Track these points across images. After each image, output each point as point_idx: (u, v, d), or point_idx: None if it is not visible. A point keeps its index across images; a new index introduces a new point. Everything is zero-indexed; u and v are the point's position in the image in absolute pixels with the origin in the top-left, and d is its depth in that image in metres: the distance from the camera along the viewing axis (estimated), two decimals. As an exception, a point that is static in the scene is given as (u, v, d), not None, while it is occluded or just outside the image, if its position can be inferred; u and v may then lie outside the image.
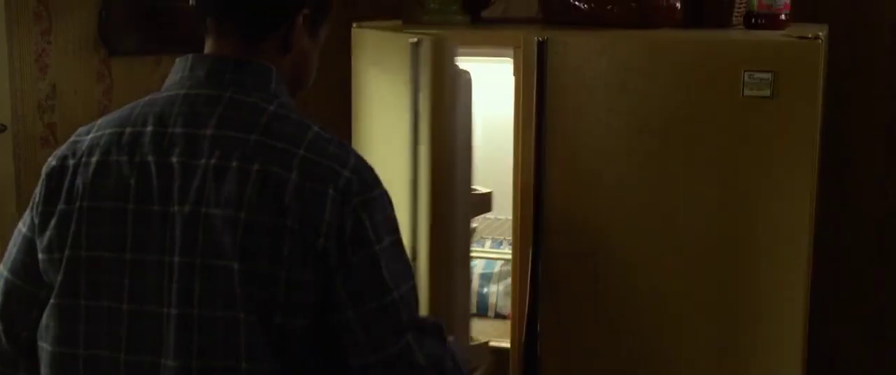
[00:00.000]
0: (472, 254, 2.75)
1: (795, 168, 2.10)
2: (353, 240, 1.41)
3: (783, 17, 2.27)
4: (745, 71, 2.08)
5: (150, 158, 1.43)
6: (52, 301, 1.46)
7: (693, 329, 2.20)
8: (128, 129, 1.46)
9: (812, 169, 2.10)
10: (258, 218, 1.39)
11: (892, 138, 2.88)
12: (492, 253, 2.76)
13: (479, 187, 2.40)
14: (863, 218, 2.94)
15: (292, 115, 1.48)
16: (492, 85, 2.51)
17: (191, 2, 1.54)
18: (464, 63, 2.54)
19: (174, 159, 1.42)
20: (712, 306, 2.20)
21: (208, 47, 1.53)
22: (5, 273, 1.53)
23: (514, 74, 2.26)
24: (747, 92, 2.08)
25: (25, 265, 1.50)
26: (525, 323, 2.28)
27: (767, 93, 2.07)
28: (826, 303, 2.87)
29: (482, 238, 2.85)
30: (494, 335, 2.63)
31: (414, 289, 1.50)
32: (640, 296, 2.23)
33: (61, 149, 1.51)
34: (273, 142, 1.43)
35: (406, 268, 1.50)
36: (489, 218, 2.89)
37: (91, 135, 1.49)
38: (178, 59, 1.53)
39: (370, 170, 1.48)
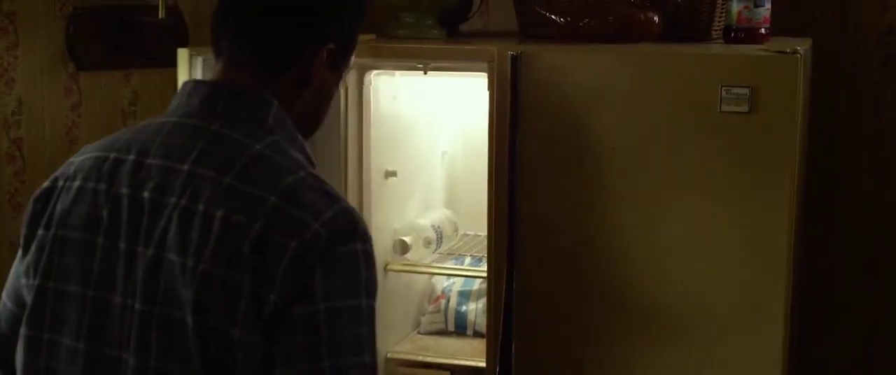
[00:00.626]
0: (451, 272, 2.71)
1: (775, 185, 2.05)
2: (299, 293, 1.27)
3: (763, 31, 2.22)
4: (722, 86, 2.03)
5: (124, 190, 1.35)
6: (21, 329, 1.40)
7: (673, 348, 2.15)
8: (112, 155, 1.38)
9: (791, 185, 2.05)
10: (214, 270, 1.27)
11: (880, 152, 2.82)
12: (470, 271, 2.70)
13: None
14: (851, 234, 2.88)
15: (279, 157, 1.35)
16: (471, 99, 2.47)
17: (214, 19, 1.46)
18: (441, 77, 2.54)
19: (146, 194, 1.33)
20: (693, 325, 2.15)
21: (216, 72, 1.45)
22: (3, 292, 1.47)
23: (488, 89, 2.21)
24: (725, 107, 2.03)
25: (14, 288, 1.44)
26: (500, 343, 2.22)
27: (745, 108, 2.02)
28: (815, 322, 2.82)
29: (461, 255, 2.80)
30: (472, 354, 2.59)
31: (365, 369, 1.31)
32: (619, 315, 2.18)
33: (58, 170, 1.44)
34: (245, 187, 1.31)
35: (360, 342, 1.30)
36: (469, 235, 2.84)
37: (81, 158, 1.42)
38: (183, 82, 1.47)
39: (351, 224, 1.32)
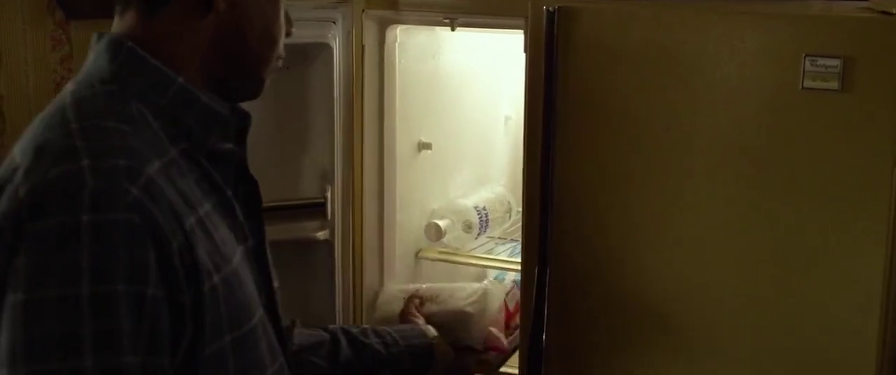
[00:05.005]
0: (482, 262, 2.34)
1: (870, 182, 1.61)
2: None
3: (867, -15, 1.76)
4: (806, 55, 1.60)
5: None
6: None
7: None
8: None
9: (892, 182, 1.60)
10: None
11: None
12: (504, 263, 2.33)
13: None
14: None
15: (72, 111, 1.15)
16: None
17: None
18: (484, 35, 2.16)
19: None
20: (759, 350, 1.74)
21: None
22: None
23: (524, 51, 1.83)
24: (808, 83, 1.61)
25: None
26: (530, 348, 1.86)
27: (835, 85, 1.59)
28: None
29: (514, 239, 2.43)
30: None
31: None
32: (665, 328, 1.79)
33: None
34: (18, 147, 1.15)
35: (52, 344, 1.02)
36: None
37: None
38: None
39: (60, 190, 1.05)
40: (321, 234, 2.06)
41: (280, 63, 1.35)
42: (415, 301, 2.04)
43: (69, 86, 1.21)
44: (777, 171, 1.66)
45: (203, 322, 1.12)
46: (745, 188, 1.69)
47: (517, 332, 2.01)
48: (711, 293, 1.74)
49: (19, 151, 1.13)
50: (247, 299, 1.22)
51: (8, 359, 1.01)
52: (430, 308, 2.03)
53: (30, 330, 1.01)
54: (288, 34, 1.35)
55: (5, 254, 1.04)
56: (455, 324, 1.99)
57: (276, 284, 1.37)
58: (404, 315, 2.01)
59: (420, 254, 2.32)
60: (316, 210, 2.05)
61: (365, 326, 1.86)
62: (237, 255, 1.24)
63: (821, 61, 1.59)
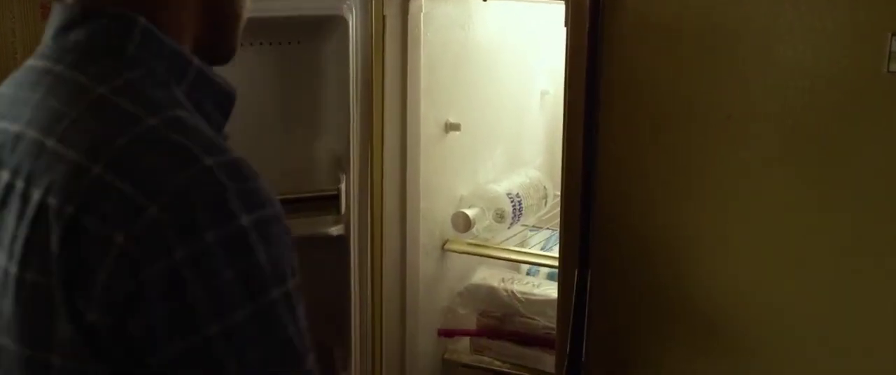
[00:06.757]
0: (513, 256, 2.14)
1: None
2: (168, 322, 0.88)
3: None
4: (893, 35, 1.40)
5: None
6: None
7: None
8: None
9: None
10: (26, 275, 0.92)
11: None
12: (540, 257, 2.11)
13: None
14: None
15: (125, 100, 0.96)
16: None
17: None
18: (519, 4, 1.96)
19: None
20: (829, 354, 1.53)
21: None
22: None
23: (565, 25, 1.62)
24: (894, 66, 1.39)
25: None
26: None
27: (925, 69, 1.39)
28: None
29: (551, 228, 2.23)
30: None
31: None
32: (717, 336, 1.59)
33: None
34: (66, 151, 0.93)
35: (270, 362, 0.93)
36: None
37: None
38: None
39: (215, 192, 0.91)
40: (335, 230, 1.84)
41: None
42: None
43: (69, 70, 1.01)
44: (852, 165, 1.45)
45: None
46: (817, 183, 1.48)
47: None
48: (773, 302, 1.54)
49: (55, 150, 0.95)
50: None
51: None
52: None
53: (242, 361, 0.91)
54: None
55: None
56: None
57: None
58: None
59: (446, 247, 2.13)
60: (328, 203, 1.83)
61: None
62: None
63: (909, 41, 1.38)
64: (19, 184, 0.96)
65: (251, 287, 0.91)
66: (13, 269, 0.94)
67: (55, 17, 1.05)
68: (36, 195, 0.93)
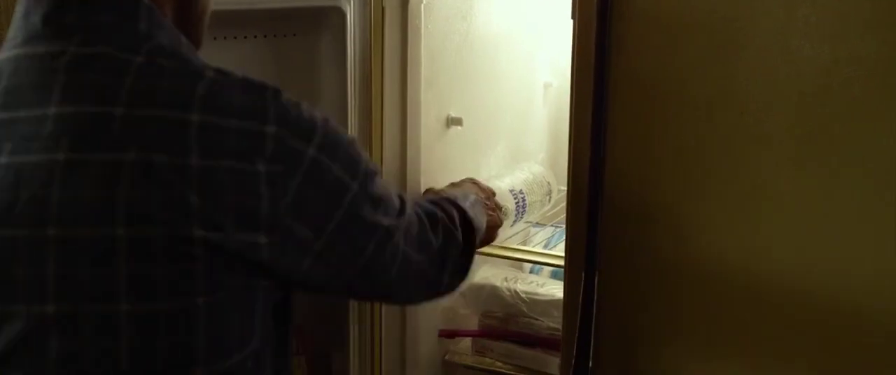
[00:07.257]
0: (516, 255, 2.07)
1: None
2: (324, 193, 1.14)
3: None
4: (916, 26, 1.31)
5: None
6: None
7: None
8: None
9: None
10: (147, 233, 1.00)
11: None
12: (544, 256, 2.02)
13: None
14: None
15: (171, 63, 1.07)
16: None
17: None
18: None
19: (3, 160, 1.03)
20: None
21: None
22: None
23: (572, 17, 1.55)
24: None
25: None
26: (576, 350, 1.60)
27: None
28: None
29: (555, 225, 2.16)
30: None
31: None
32: (735, 343, 1.51)
33: None
34: (150, 112, 1.02)
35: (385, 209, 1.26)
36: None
37: None
38: None
39: (297, 109, 1.13)
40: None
41: None
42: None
43: (90, 47, 1.06)
44: (872, 161, 1.38)
45: None
46: (834, 180, 1.41)
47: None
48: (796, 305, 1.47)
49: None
50: None
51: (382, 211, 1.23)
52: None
53: (371, 194, 1.20)
54: None
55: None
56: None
57: None
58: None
59: (447, 245, 2.05)
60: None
61: None
62: None
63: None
64: (96, 156, 1.00)
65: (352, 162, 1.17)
66: (118, 231, 1.00)
67: (39, 4, 1.08)
68: (129, 157, 1.00)
